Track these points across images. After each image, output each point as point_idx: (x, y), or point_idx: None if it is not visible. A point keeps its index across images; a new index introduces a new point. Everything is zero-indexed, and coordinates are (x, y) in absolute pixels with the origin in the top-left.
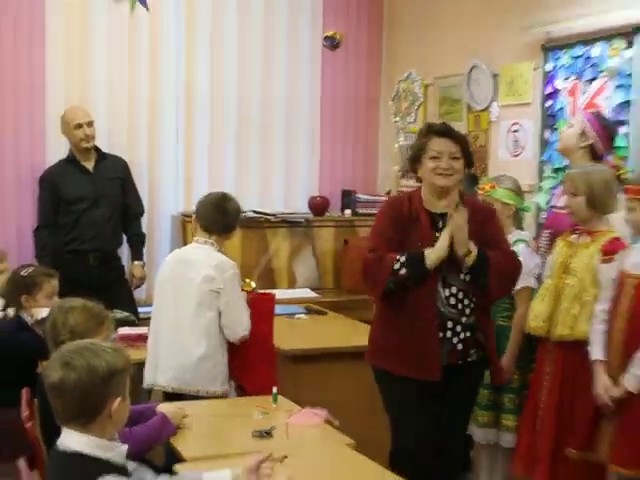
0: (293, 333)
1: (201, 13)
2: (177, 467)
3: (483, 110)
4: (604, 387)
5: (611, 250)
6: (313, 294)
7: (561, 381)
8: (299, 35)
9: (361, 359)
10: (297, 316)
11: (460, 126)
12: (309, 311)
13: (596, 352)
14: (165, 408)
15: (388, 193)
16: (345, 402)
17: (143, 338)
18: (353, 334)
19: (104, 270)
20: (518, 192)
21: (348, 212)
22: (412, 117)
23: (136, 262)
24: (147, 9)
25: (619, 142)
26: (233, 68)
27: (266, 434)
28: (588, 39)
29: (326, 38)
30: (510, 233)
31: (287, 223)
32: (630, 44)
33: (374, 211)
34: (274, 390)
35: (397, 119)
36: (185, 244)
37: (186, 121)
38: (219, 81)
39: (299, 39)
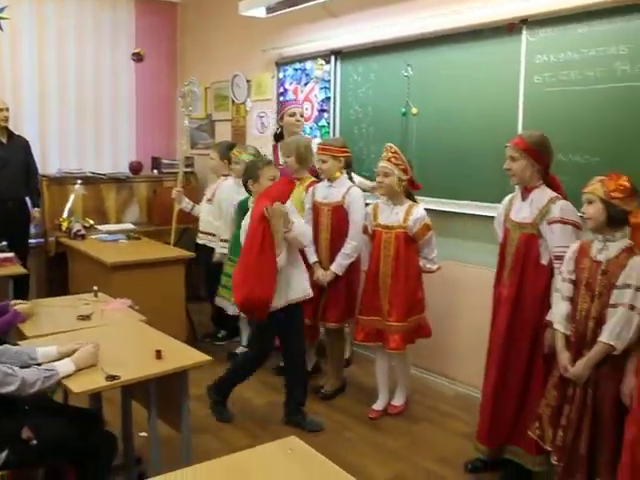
0: (115, 252)
1: (48, 27)
2: (20, 342)
3: (242, 103)
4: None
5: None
6: (133, 227)
7: None
8: (119, 50)
9: (161, 266)
10: (120, 241)
11: (227, 114)
12: (129, 237)
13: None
14: (18, 306)
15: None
16: (149, 296)
17: (9, 260)
18: (157, 251)
19: (17, 212)
20: (256, 155)
21: (156, 172)
22: (191, 108)
23: (35, 208)
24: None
25: (323, 124)
26: (73, 71)
27: (87, 317)
28: (303, 58)
29: (133, 54)
30: None
31: (115, 180)
32: (328, 62)
33: (173, 170)
34: (95, 288)
35: (183, 109)
36: None
37: (40, 107)
38: (64, 80)
39: (119, 53)
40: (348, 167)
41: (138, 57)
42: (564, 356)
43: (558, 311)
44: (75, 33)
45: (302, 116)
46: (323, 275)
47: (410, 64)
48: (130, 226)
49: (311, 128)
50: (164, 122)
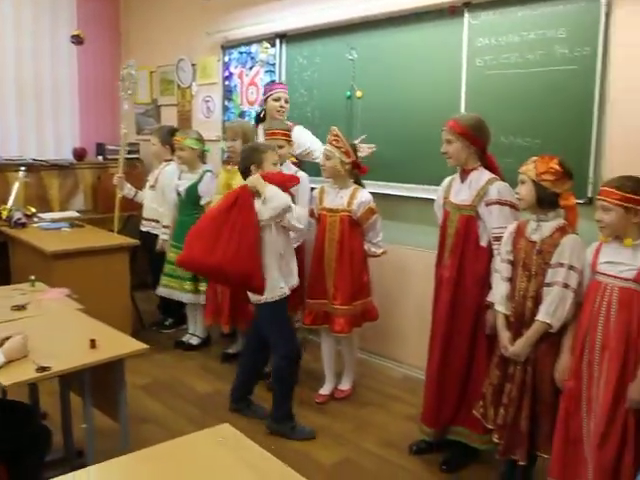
0: (57, 240)
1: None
2: None
3: (187, 87)
4: None
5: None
6: (77, 214)
7: None
8: (61, 33)
9: (105, 254)
10: (63, 229)
11: (172, 99)
12: (72, 225)
13: None
14: None
15: (129, 144)
16: (93, 285)
17: None
18: (100, 239)
19: None
20: (200, 139)
21: (101, 158)
22: (130, 92)
23: None
24: None
25: None
26: (12, 55)
27: (22, 307)
28: (248, 42)
29: (72, 36)
30: (200, 168)
31: (58, 167)
32: (273, 45)
33: (118, 156)
34: (32, 277)
35: (122, 93)
36: None
37: None
38: (2, 64)
39: (60, 36)
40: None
41: (78, 40)
42: (504, 336)
43: (498, 292)
44: (13, 16)
45: (287, 102)
46: None
47: (354, 47)
48: (74, 214)
49: (256, 112)
50: (108, 107)
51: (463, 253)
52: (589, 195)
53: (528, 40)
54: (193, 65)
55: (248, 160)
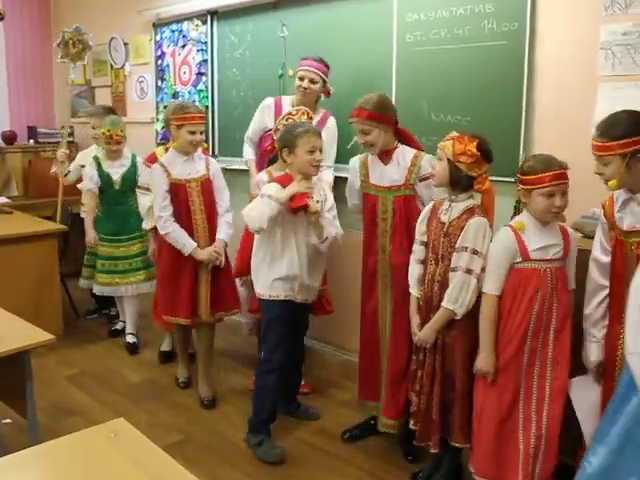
0: None
1: None
2: None
3: (120, 68)
4: None
5: None
6: (6, 200)
7: None
8: None
9: (31, 242)
10: None
11: (106, 80)
12: None
13: None
14: None
15: (62, 127)
16: (17, 274)
17: None
18: (26, 226)
19: None
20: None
21: (32, 141)
22: (85, 60)
23: None
24: None
25: (202, 87)
26: None
27: None
28: (180, 19)
29: None
30: (125, 154)
31: None
32: (204, 22)
33: (50, 140)
34: None
35: (65, 60)
36: None
37: None
38: None
39: None
40: None
41: None
42: (414, 321)
43: (411, 274)
44: None
45: (314, 82)
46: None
47: (285, 24)
48: (4, 200)
49: (189, 92)
50: (39, 88)
51: (408, 235)
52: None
53: (457, 15)
54: (125, 44)
55: (279, 143)
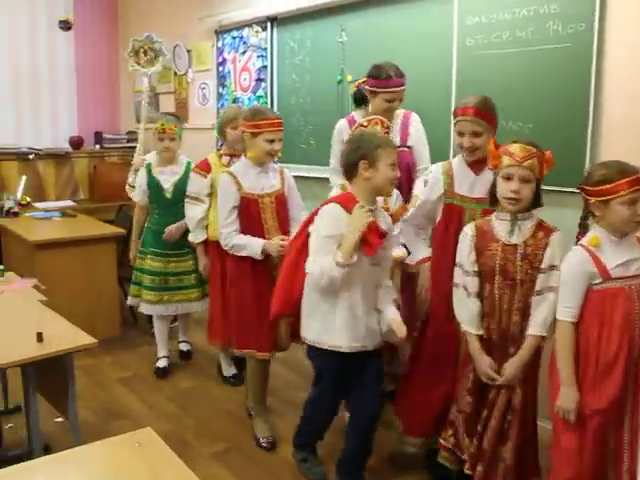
0: (44, 230)
1: None
2: None
3: (183, 74)
4: None
5: None
6: (72, 203)
7: None
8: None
9: (90, 245)
10: (53, 219)
11: (170, 86)
12: (63, 215)
13: None
14: None
15: (128, 133)
16: (76, 276)
17: None
18: (88, 229)
19: None
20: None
21: (98, 147)
22: (159, 68)
23: None
24: None
25: (261, 94)
26: (6, 41)
27: None
28: (240, 26)
29: (60, 22)
30: (179, 159)
31: (53, 155)
32: (264, 29)
33: (115, 145)
34: (1, 267)
35: (138, 68)
36: None
37: None
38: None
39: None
40: None
41: (66, 25)
42: (484, 361)
43: (466, 311)
44: (6, 2)
45: (400, 100)
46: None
47: (344, 29)
48: (70, 203)
49: (249, 99)
50: (107, 95)
51: None
52: None
53: (520, 17)
54: (188, 51)
55: (358, 152)
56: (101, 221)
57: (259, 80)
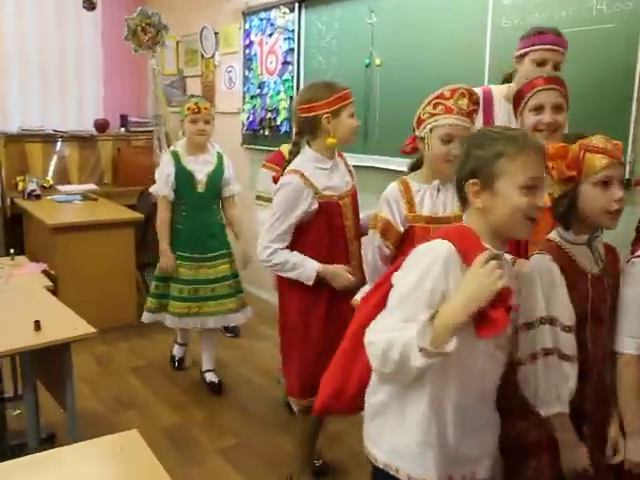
0: (64, 213)
1: None
2: None
3: (210, 57)
4: None
5: None
6: (95, 187)
7: None
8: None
9: (108, 229)
10: (74, 202)
11: (197, 70)
12: (84, 198)
13: None
14: None
15: (154, 116)
16: (94, 260)
17: None
18: (107, 213)
19: None
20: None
21: (123, 130)
22: (165, 44)
23: None
24: None
25: (287, 77)
26: (34, 23)
27: None
28: (268, 7)
29: (84, 1)
30: (210, 147)
31: (77, 138)
32: (292, 10)
33: (141, 129)
34: (11, 251)
35: (142, 51)
36: None
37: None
38: (23, 34)
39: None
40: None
41: (90, 5)
42: (583, 451)
43: (564, 383)
44: None
45: (557, 68)
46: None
47: (374, 10)
48: (92, 187)
49: (275, 82)
50: (134, 78)
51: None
52: (626, 177)
53: None
54: (216, 34)
55: (471, 165)
56: (123, 205)
57: (285, 63)
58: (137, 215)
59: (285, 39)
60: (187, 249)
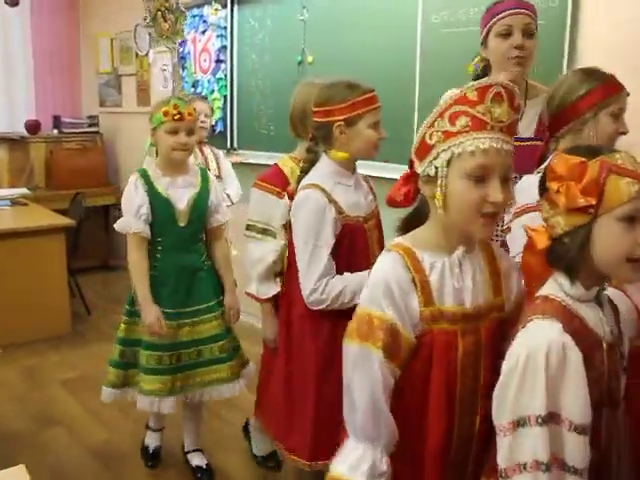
0: None
1: None
2: None
3: (144, 55)
4: None
5: None
6: (26, 191)
7: None
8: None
9: (36, 236)
10: (2, 208)
11: (132, 68)
12: (13, 203)
13: None
14: None
15: (89, 117)
16: (21, 270)
17: None
18: (35, 219)
19: None
20: None
21: (56, 131)
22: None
23: None
24: None
25: (220, 76)
26: None
27: None
28: (200, 3)
29: None
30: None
31: (5, 140)
32: (224, 6)
33: (76, 130)
34: None
35: (163, 44)
36: None
37: None
38: None
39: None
40: None
41: (12, 0)
42: None
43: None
44: None
45: (531, 35)
46: None
47: (306, 6)
48: (23, 191)
49: (209, 81)
50: (66, 78)
51: None
52: None
53: None
54: (150, 32)
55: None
56: (55, 210)
57: (219, 61)
58: (68, 221)
59: (218, 36)
60: (165, 303)
